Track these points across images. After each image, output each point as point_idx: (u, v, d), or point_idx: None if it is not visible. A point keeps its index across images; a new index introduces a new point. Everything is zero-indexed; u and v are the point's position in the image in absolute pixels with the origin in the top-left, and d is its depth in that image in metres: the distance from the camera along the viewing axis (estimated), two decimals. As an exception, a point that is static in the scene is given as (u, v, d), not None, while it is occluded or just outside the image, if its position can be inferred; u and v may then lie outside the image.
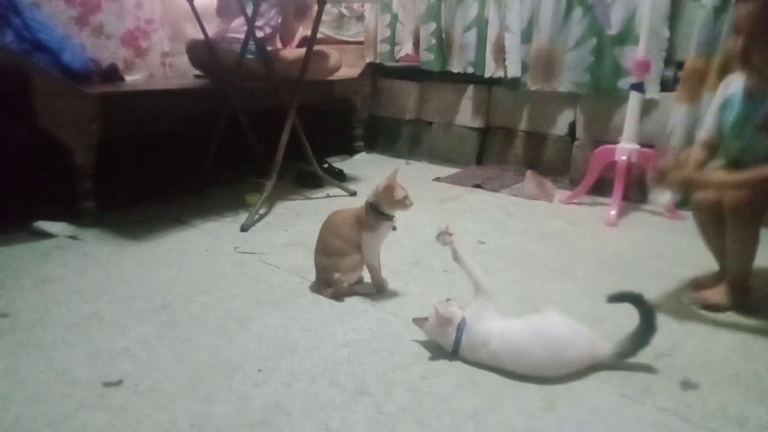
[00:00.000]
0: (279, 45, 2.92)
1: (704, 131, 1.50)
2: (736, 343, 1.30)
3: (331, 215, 1.55)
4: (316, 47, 2.44)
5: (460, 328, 1.20)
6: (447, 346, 1.22)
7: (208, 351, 1.25)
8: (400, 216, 1.48)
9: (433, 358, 1.23)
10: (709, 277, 1.57)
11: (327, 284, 1.51)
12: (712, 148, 1.47)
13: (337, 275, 1.48)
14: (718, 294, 1.45)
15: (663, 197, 1.30)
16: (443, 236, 1.28)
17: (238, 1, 2.34)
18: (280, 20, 2.76)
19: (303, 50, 2.52)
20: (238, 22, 2.62)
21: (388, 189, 1.43)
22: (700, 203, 1.48)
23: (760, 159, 1.33)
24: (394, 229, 1.50)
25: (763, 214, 1.35)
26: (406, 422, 1.03)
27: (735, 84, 1.42)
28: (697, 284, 1.56)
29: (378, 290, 1.54)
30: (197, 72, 2.85)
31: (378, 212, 1.45)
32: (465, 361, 1.20)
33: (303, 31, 3.22)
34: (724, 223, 1.40)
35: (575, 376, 1.15)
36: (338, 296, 1.49)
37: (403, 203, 1.44)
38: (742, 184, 1.32)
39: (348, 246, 1.48)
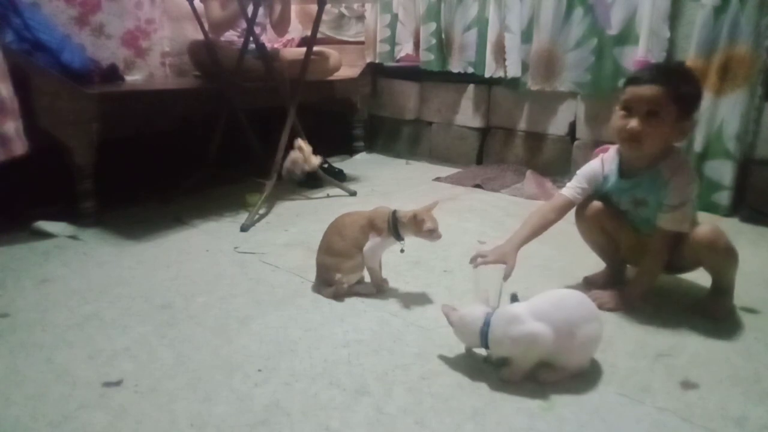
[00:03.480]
0: (278, 40, 2.92)
1: (569, 189, 1.51)
2: (736, 343, 1.30)
3: (340, 216, 1.54)
4: (316, 47, 2.43)
5: (487, 320, 1.13)
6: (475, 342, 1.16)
7: (208, 351, 1.25)
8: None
9: (433, 358, 1.23)
10: (599, 275, 1.61)
11: (327, 284, 1.51)
12: (567, 208, 1.50)
13: (338, 276, 1.48)
14: (612, 298, 1.46)
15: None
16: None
17: (238, 0, 2.34)
18: (276, 13, 2.75)
19: (302, 50, 2.52)
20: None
21: (417, 221, 1.41)
22: (584, 216, 1.52)
23: (640, 223, 1.46)
24: (402, 251, 1.49)
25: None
26: (406, 422, 1.03)
27: (612, 161, 1.46)
28: (588, 283, 1.60)
29: (378, 290, 1.54)
30: (197, 72, 2.85)
31: (395, 229, 1.44)
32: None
33: (303, 31, 3.22)
34: (604, 229, 1.51)
35: (575, 376, 1.15)
36: (338, 296, 1.49)
37: (430, 235, 1.42)
38: None
39: (352, 248, 1.48)
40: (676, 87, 1.30)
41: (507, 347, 1.12)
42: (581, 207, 1.51)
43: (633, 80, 1.36)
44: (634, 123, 1.32)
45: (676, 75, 1.34)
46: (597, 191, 1.49)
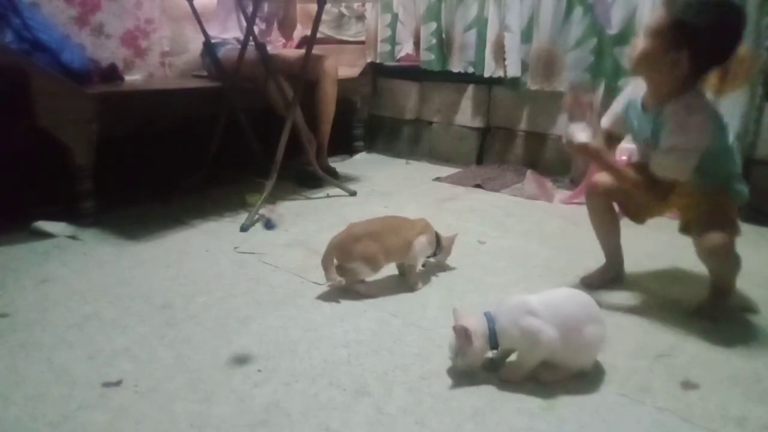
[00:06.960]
0: (279, 39, 2.92)
1: (605, 119, 1.49)
2: (736, 343, 1.30)
3: (398, 218, 1.60)
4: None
5: (490, 319, 1.14)
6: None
7: (208, 351, 1.25)
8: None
9: (433, 358, 1.23)
10: (597, 274, 1.61)
11: (340, 269, 1.50)
12: (608, 138, 1.47)
13: (363, 269, 1.49)
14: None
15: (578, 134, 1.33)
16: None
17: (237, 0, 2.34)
18: (281, 13, 2.76)
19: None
20: (233, 21, 2.64)
21: (450, 243, 1.67)
22: (594, 189, 1.51)
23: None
24: (423, 266, 1.64)
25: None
26: (406, 422, 1.03)
27: (639, 89, 1.40)
28: (586, 283, 1.58)
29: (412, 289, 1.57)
30: (196, 72, 2.85)
31: (432, 249, 1.61)
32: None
33: (303, 30, 3.22)
34: (612, 213, 1.51)
35: (575, 376, 1.15)
36: (353, 286, 1.51)
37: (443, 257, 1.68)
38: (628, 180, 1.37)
39: (392, 247, 1.51)
40: (678, 14, 1.19)
41: (515, 337, 1.12)
42: (591, 185, 1.52)
43: None
44: (639, 45, 1.25)
45: (700, 4, 1.21)
46: (627, 122, 1.43)
